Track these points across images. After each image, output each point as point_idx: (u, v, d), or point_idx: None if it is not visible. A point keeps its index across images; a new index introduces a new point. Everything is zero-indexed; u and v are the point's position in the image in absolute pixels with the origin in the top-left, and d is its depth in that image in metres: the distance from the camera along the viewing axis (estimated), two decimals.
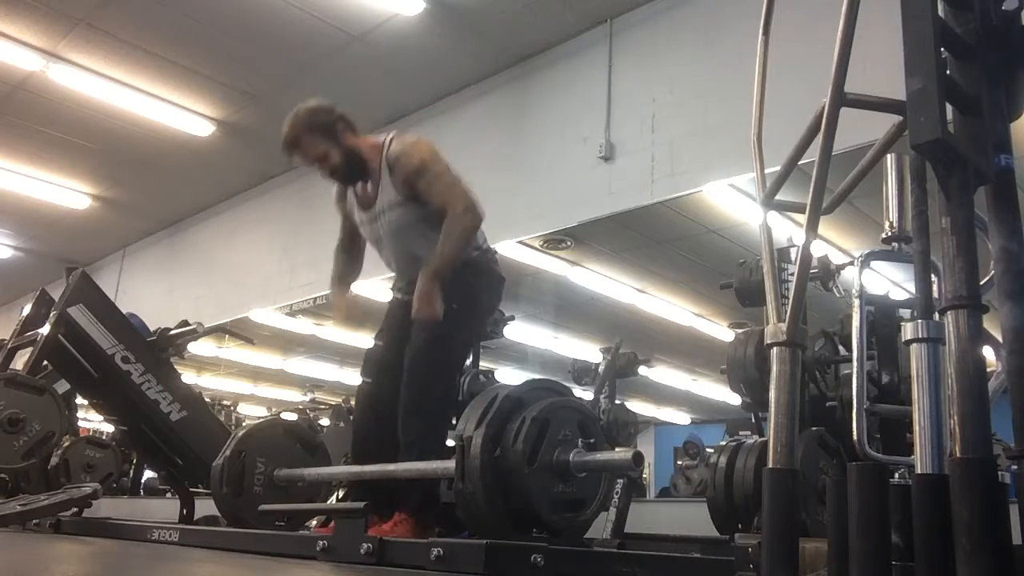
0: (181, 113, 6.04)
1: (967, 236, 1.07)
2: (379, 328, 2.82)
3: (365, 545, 1.85)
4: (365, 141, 2.72)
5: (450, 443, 2.51)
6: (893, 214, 2.14)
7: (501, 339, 3.87)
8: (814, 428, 2.56)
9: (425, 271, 2.49)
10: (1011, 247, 1.10)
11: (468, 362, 3.43)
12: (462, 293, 2.63)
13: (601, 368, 4.83)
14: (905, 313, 2.51)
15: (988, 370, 1.07)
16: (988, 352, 1.16)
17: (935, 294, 1.25)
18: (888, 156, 2.12)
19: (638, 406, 6.61)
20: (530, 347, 6.84)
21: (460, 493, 2.10)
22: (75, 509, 2.99)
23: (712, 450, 4.10)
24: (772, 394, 1.28)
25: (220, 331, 5.28)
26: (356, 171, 2.70)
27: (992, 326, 1.16)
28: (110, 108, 5.98)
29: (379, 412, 2.67)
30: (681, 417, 9.91)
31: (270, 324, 7.19)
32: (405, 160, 2.58)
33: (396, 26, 4.92)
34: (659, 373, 7.75)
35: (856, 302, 2.01)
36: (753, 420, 3.15)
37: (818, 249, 2.77)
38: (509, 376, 5.25)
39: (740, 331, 3.02)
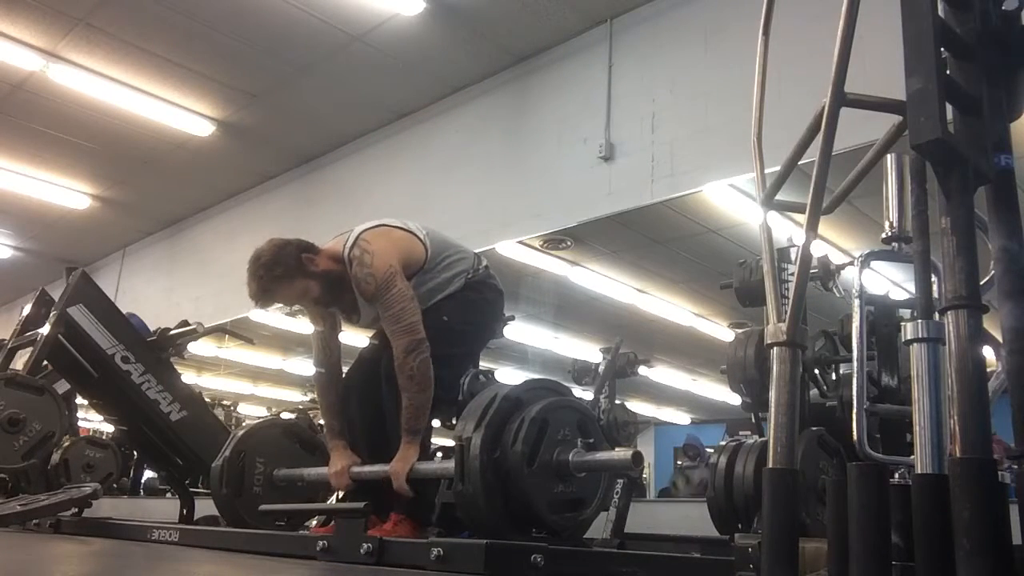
0: (181, 113, 6.04)
1: (967, 236, 1.07)
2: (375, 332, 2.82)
3: (365, 545, 1.86)
4: (328, 255, 2.61)
5: (450, 443, 2.51)
6: (893, 214, 2.14)
7: (501, 339, 3.86)
8: (814, 428, 2.56)
9: (400, 454, 2.42)
10: (1011, 247, 1.10)
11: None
12: (459, 310, 2.66)
13: (601, 368, 4.82)
14: (905, 313, 2.51)
15: (988, 370, 1.07)
16: (988, 352, 1.16)
17: (935, 294, 1.25)
18: (888, 156, 2.12)
19: (638, 406, 6.60)
20: (530, 347, 6.84)
21: (460, 493, 2.10)
22: (75, 509, 2.99)
23: (712, 451, 4.10)
24: (772, 394, 1.28)
25: (220, 331, 5.28)
26: (338, 291, 2.62)
27: (992, 326, 1.16)
28: (110, 108, 5.98)
29: (368, 412, 2.68)
30: (681, 417, 9.91)
31: (270, 324, 7.19)
32: (364, 288, 2.53)
33: (396, 26, 4.92)
34: (659, 373, 7.75)
35: (856, 302, 2.01)
36: (753, 420, 3.15)
37: (818, 249, 2.77)
38: (509, 376, 5.25)
39: (740, 331, 3.02)
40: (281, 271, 2.53)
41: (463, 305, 2.69)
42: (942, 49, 1.10)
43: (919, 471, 1.07)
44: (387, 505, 2.56)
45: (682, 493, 6.54)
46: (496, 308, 2.81)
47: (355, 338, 3.18)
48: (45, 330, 3.61)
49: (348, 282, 2.58)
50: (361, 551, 1.85)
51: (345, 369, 2.86)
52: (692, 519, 3.45)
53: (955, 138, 1.08)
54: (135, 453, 5.37)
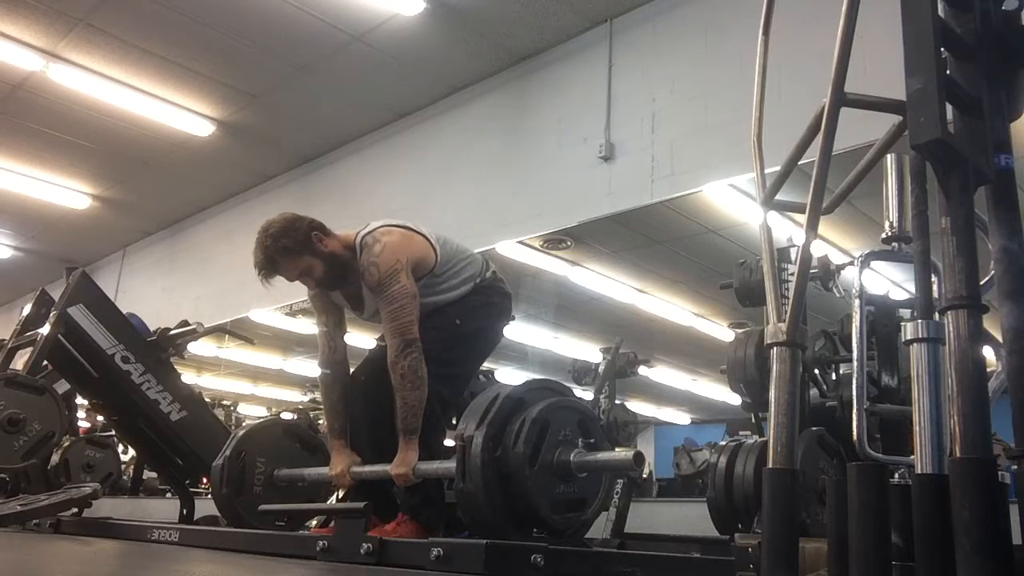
0: (181, 113, 6.04)
1: (967, 236, 1.07)
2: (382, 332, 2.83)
3: (365, 545, 1.86)
4: (339, 241, 2.62)
5: (451, 443, 2.51)
6: (893, 214, 2.14)
7: (501, 339, 3.86)
8: (814, 428, 2.56)
9: (399, 456, 2.42)
10: (1011, 247, 1.10)
11: None
12: (465, 314, 2.68)
13: (601, 368, 4.83)
14: (905, 313, 2.51)
15: (988, 370, 1.07)
16: (988, 352, 1.16)
17: (935, 294, 1.25)
18: (888, 156, 2.12)
19: (638, 406, 6.59)
20: (530, 347, 6.83)
21: (461, 493, 2.10)
22: (75, 509, 2.99)
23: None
24: (772, 394, 1.28)
25: (220, 331, 5.28)
26: (341, 276, 2.62)
27: (992, 326, 1.16)
28: (110, 108, 5.98)
29: (372, 411, 2.68)
30: (681, 417, 9.89)
31: (270, 324, 7.19)
32: (368, 277, 2.54)
33: (396, 26, 4.92)
34: (659, 373, 7.74)
35: (856, 302, 2.01)
36: (753, 420, 3.15)
37: (818, 249, 2.77)
38: (509, 376, 5.26)
39: (740, 331, 3.02)
40: (288, 243, 2.54)
41: (469, 309, 2.70)
42: (942, 49, 1.10)
43: (919, 471, 1.07)
44: (390, 506, 2.56)
45: (684, 471, 6.55)
46: (502, 311, 2.81)
47: (364, 340, 3.18)
48: (45, 330, 3.61)
49: (354, 270, 2.59)
50: (361, 551, 1.85)
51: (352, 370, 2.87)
52: (692, 519, 3.45)
53: (955, 138, 1.08)
54: (136, 453, 5.36)
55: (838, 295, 2.64)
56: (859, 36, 1.22)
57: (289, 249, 2.54)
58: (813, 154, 1.25)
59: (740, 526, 2.48)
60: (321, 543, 1.97)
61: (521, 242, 5.20)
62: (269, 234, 2.54)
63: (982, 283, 1.10)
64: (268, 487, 2.89)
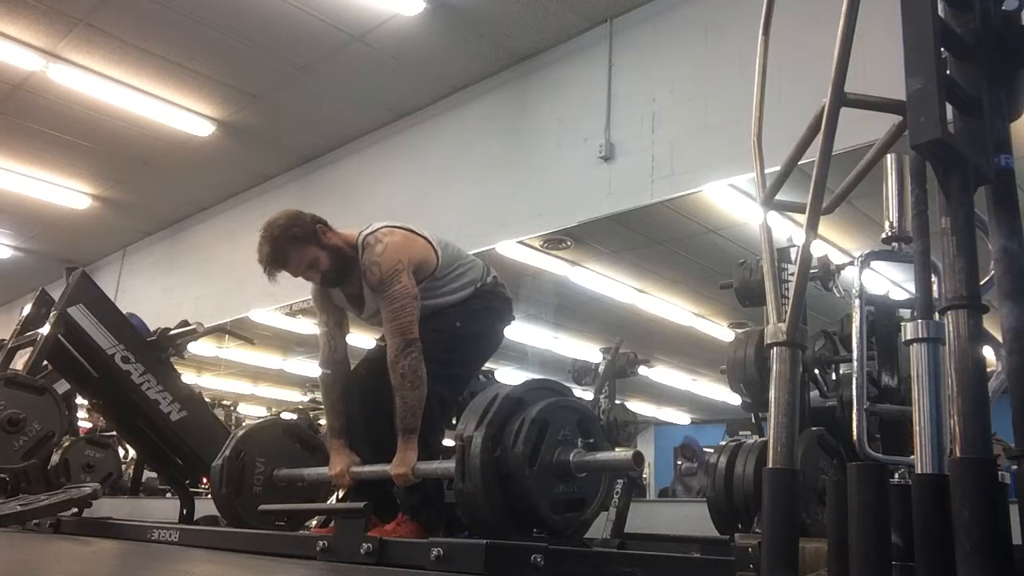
0: (181, 113, 6.04)
1: (967, 236, 1.07)
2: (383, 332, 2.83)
3: (365, 545, 1.86)
4: (343, 237, 2.65)
5: (450, 443, 2.51)
6: (893, 214, 2.14)
7: (501, 342, 3.87)
8: (814, 428, 2.56)
9: (398, 456, 2.42)
10: (1011, 247, 1.10)
11: None
12: (465, 316, 2.69)
13: (601, 368, 4.83)
14: (905, 313, 2.51)
15: (988, 370, 1.07)
16: (988, 352, 1.16)
17: (935, 294, 1.25)
18: (888, 156, 2.12)
19: (638, 406, 6.59)
20: (530, 347, 6.83)
21: (460, 493, 2.10)
22: (75, 509, 2.99)
23: (710, 451, 4.10)
24: (772, 394, 1.28)
25: (220, 331, 5.29)
26: (345, 271, 2.64)
27: (992, 326, 1.16)
28: (110, 108, 5.98)
29: (369, 410, 2.69)
30: (681, 417, 9.89)
31: (270, 324, 7.18)
32: (369, 276, 2.55)
33: (396, 26, 4.92)
34: (659, 373, 7.73)
35: (856, 302, 2.02)
36: (753, 420, 3.15)
37: (818, 249, 2.77)
38: (509, 376, 5.26)
39: (740, 331, 3.02)
40: (299, 231, 2.56)
41: (470, 312, 2.71)
42: (942, 49, 1.10)
43: (919, 471, 1.07)
44: (390, 506, 2.56)
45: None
46: (503, 315, 2.82)
47: (364, 340, 3.19)
48: (45, 330, 3.61)
49: (356, 268, 2.60)
50: (361, 551, 1.85)
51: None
52: (692, 519, 3.45)
53: (955, 138, 1.08)
54: (136, 453, 5.36)
55: (838, 295, 2.64)
56: (859, 36, 1.22)
57: (299, 238, 2.56)
58: (813, 154, 1.25)
59: (740, 526, 2.48)
60: (321, 543, 1.97)
61: (521, 242, 5.20)
62: (277, 225, 2.57)
63: (982, 283, 1.10)
64: (268, 487, 2.89)
